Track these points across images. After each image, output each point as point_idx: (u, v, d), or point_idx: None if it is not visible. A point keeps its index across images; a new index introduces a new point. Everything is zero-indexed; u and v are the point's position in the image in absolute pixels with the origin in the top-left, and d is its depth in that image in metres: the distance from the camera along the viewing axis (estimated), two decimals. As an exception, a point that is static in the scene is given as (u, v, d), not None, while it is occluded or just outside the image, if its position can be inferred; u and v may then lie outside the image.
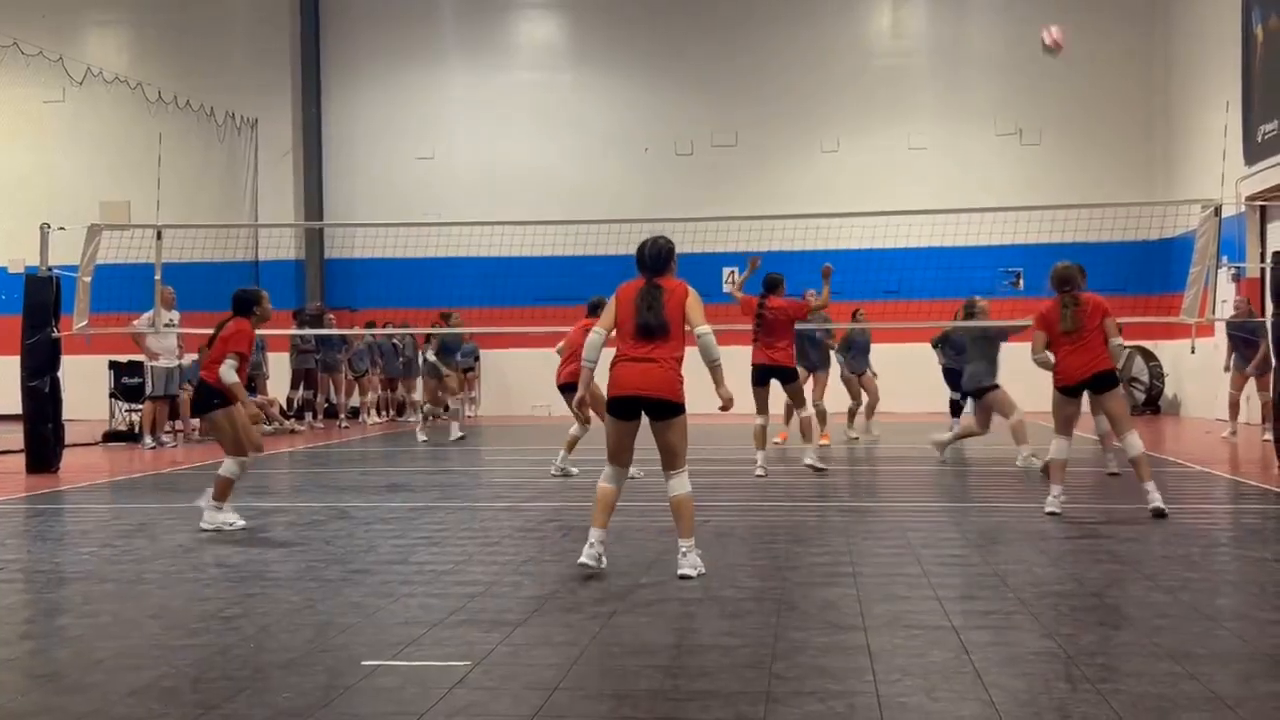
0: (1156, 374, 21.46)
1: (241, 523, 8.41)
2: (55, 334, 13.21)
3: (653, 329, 6.41)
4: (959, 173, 22.34)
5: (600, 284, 14.39)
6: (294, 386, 20.70)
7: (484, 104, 23.99)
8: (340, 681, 4.51)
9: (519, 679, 4.57)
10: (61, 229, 13.74)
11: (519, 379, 22.85)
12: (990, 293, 21.70)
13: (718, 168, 23.17)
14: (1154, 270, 21.16)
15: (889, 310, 20.26)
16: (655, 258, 6.57)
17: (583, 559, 6.47)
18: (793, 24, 23.38)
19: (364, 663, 4.77)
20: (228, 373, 8.28)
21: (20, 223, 21.09)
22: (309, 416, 20.27)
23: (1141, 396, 21.44)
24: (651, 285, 6.51)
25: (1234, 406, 15.35)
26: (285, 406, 20.28)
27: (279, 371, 20.70)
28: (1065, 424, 8.91)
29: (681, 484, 6.51)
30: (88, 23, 24.41)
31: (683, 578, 6.36)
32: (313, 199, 24.17)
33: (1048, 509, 8.63)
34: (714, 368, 6.50)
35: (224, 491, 8.41)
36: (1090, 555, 7.11)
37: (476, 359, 22.66)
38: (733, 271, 14.49)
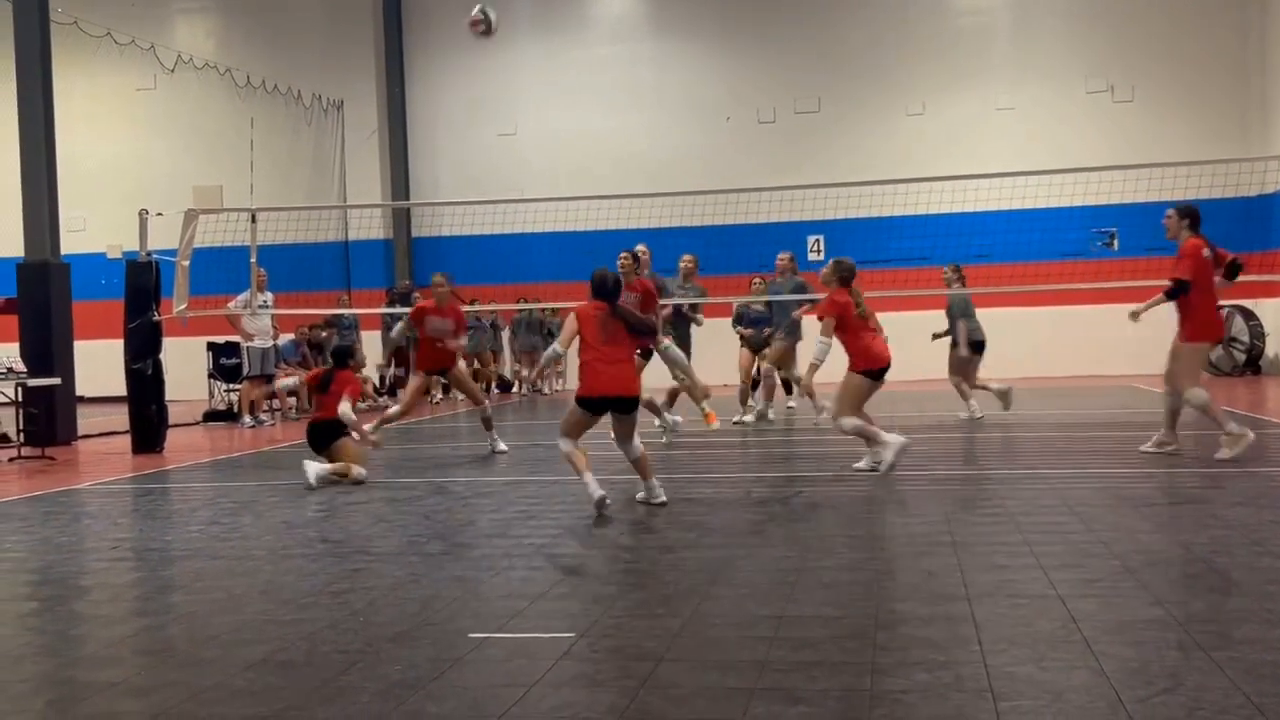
0: (1257, 333, 20.92)
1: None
2: (156, 318, 13.54)
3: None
4: (1048, 132, 21.91)
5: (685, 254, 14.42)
6: (387, 364, 21.03)
7: (564, 79, 24.02)
8: (449, 654, 4.59)
9: (624, 650, 4.61)
10: (159, 215, 14.06)
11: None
12: (1083, 254, 21.36)
13: (801, 135, 22.97)
14: (1254, 227, 20.58)
15: (979, 274, 19.96)
16: (618, 287, 8.23)
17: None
18: (874, -14, 23.06)
19: (471, 635, 4.85)
20: (348, 411, 9.99)
21: (116, 209, 21.61)
22: (400, 393, 20.55)
23: (1242, 356, 20.92)
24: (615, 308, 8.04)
25: None
26: (378, 384, 20.60)
27: (372, 350, 21.05)
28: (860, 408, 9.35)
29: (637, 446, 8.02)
30: (175, 11, 24.87)
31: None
32: (399, 178, 24.44)
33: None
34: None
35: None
36: (1196, 520, 6.98)
37: (562, 333, 22.77)
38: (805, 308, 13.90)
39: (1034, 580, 5.51)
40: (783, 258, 14.36)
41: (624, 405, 7.94)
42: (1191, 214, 9.74)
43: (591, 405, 7.93)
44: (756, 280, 15.16)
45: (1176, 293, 9.51)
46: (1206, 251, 9.63)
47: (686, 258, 13.75)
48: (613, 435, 8.36)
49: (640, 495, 8.08)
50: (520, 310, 21.93)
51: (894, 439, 9.09)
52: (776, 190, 17.62)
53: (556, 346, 8.11)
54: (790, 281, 14.22)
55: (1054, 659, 4.27)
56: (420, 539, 7.14)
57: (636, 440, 8.03)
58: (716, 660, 4.44)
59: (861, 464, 9.45)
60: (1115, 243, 21.82)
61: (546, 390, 22.66)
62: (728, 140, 23.21)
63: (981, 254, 20.44)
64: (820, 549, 6.48)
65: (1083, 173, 16.87)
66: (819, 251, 22.79)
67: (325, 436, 10.10)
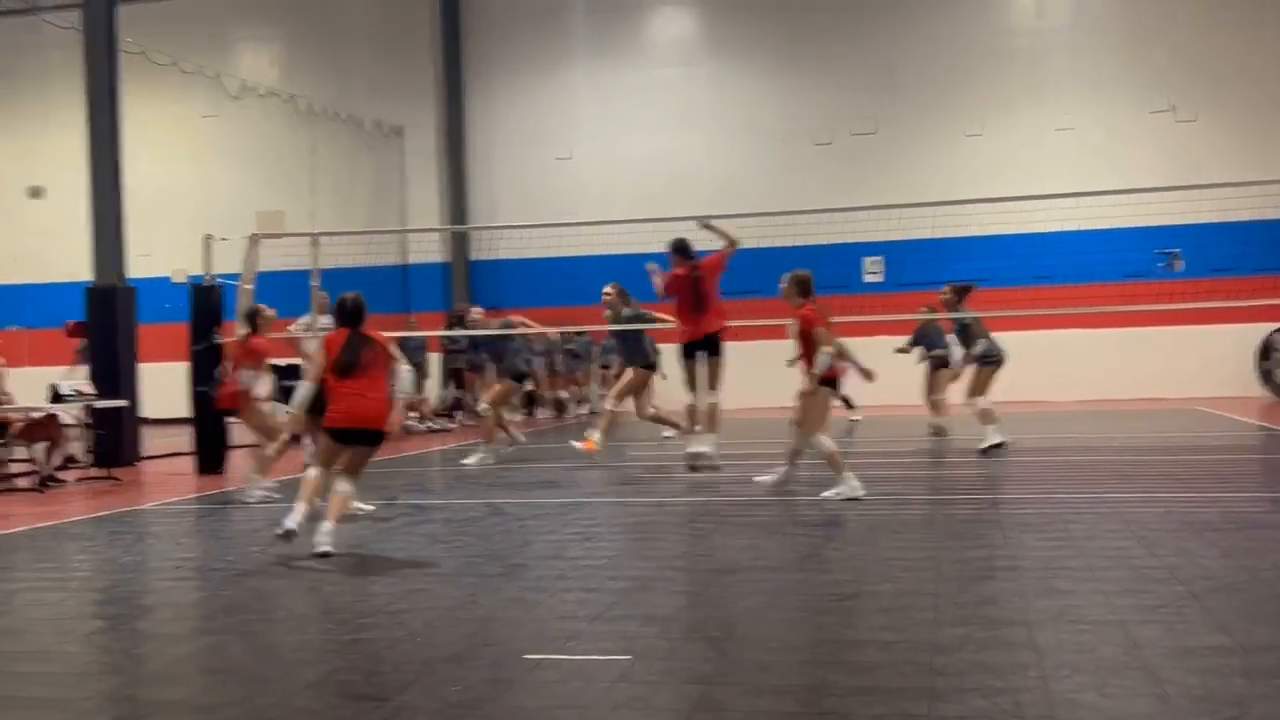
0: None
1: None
2: (220, 341, 13.75)
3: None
4: (1110, 153, 21.67)
5: (740, 277, 14.39)
6: (444, 385, 21.20)
7: (621, 102, 24.14)
8: (505, 675, 4.61)
9: (679, 673, 4.61)
10: (223, 239, 14.29)
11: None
12: (1146, 275, 21.10)
13: (857, 157, 22.90)
14: (1322, 247, 20.25)
15: (1041, 296, 19.79)
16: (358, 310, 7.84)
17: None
18: (932, 5, 22.99)
19: (526, 656, 4.87)
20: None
21: (181, 234, 21.98)
22: (459, 415, 20.68)
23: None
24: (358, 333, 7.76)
25: None
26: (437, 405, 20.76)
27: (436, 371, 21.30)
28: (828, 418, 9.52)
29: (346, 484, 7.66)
30: (239, 39, 25.32)
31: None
32: (457, 202, 24.67)
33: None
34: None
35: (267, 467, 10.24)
36: (1262, 546, 6.85)
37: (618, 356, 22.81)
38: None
39: (1096, 605, 5.44)
40: (609, 291, 13.42)
41: (369, 437, 7.68)
42: None
43: (339, 435, 7.68)
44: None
45: None
46: None
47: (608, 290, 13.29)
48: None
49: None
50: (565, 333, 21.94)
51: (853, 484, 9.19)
52: (833, 212, 17.54)
53: (309, 384, 7.95)
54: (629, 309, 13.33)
55: (1116, 686, 4.22)
56: (477, 560, 7.18)
57: (348, 483, 7.65)
58: (772, 684, 4.42)
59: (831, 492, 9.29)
60: (1179, 264, 21.53)
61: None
62: (784, 162, 23.19)
63: (1042, 275, 20.26)
64: (877, 573, 6.44)
65: (1145, 193, 16.67)
66: (877, 273, 22.70)
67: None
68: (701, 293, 11.04)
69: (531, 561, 7.09)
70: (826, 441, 9.27)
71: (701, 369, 11.06)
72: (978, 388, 13.10)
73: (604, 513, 9.09)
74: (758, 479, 9.81)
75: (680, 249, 11.19)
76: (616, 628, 5.34)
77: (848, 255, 21.84)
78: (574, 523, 8.58)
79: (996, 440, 12.48)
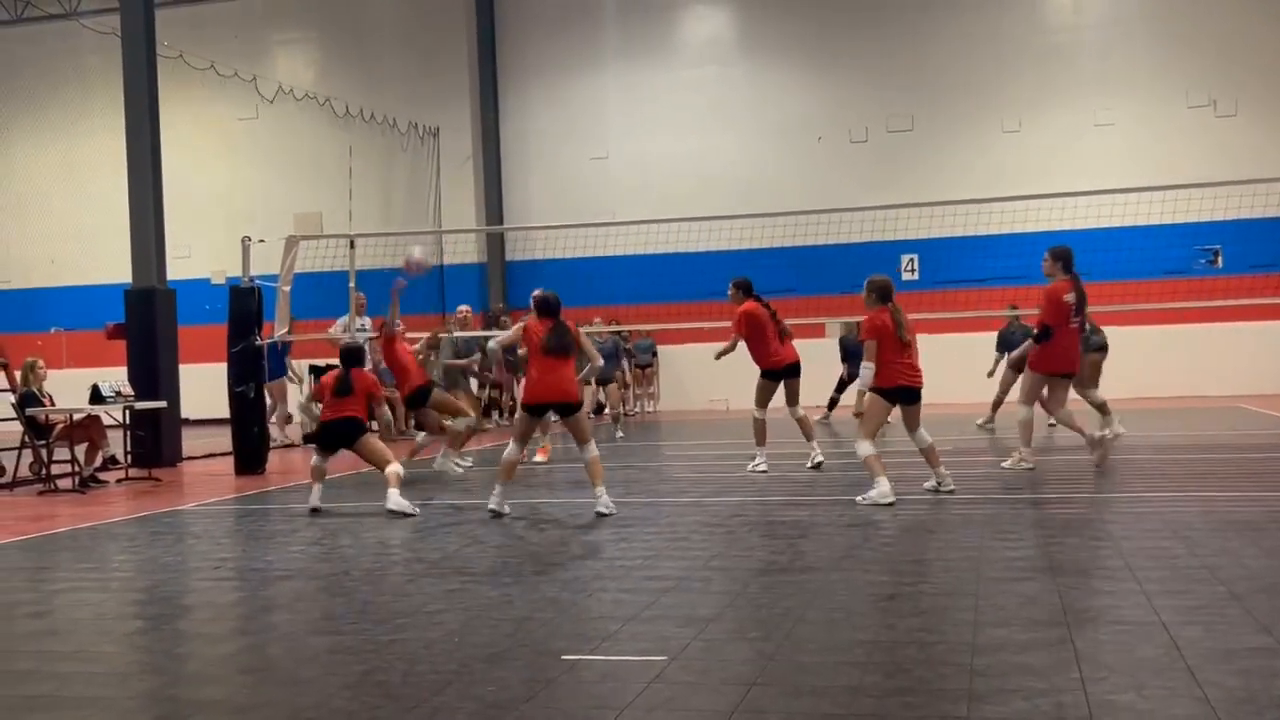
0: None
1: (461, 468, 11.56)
2: (259, 342, 13.85)
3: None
4: (1149, 148, 21.47)
5: (776, 276, 14.41)
6: (481, 386, 21.24)
7: (656, 102, 24.13)
8: (542, 675, 4.62)
9: (716, 674, 4.60)
10: (261, 241, 14.39)
11: (696, 374, 22.90)
12: (1186, 272, 20.87)
13: (894, 154, 22.79)
14: (1366, 242, 19.97)
15: (1078, 293, 19.59)
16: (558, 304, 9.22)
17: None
18: (969, 2, 22.83)
19: (564, 657, 4.87)
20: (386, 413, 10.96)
21: (219, 236, 22.20)
22: (495, 415, 20.74)
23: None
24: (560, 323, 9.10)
25: None
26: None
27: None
28: (879, 427, 9.40)
29: (591, 448, 9.01)
30: (275, 42, 25.49)
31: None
32: (493, 203, 24.75)
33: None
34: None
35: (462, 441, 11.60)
36: (1307, 546, 6.76)
37: (654, 355, 22.85)
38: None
39: (1136, 606, 5.39)
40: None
41: (564, 409, 9.10)
42: (1063, 256, 10.90)
43: (534, 410, 9.21)
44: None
45: (1043, 337, 10.68)
46: (1069, 295, 10.68)
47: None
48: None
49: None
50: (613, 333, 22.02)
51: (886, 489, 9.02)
52: (869, 210, 17.48)
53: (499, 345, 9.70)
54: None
55: (1156, 687, 4.17)
56: (513, 560, 7.20)
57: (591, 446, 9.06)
58: (810, 686, 4.40)
59: (929, 484, 9.55)
60: (1219, 260, 21.29)
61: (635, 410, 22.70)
62: (820, 160, 23.11)
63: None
64: (916, 573, 6.40)
65: (1185, 189, 16.49)
66: (913, 271, 22.58)
67: (345, 436, 10.09)
68: (782, 324, 11.63)
69: (568, 562, 7.10)
70: (865, 446, 9.12)
71: (788, 388, 11.65)
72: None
73: (639, 513, 9.08)
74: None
75: (745, 287, 11.74)
76: (653, 628, 5.33)
77: (885, 253, 21.72)
78: (609, 522, 8.58)
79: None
